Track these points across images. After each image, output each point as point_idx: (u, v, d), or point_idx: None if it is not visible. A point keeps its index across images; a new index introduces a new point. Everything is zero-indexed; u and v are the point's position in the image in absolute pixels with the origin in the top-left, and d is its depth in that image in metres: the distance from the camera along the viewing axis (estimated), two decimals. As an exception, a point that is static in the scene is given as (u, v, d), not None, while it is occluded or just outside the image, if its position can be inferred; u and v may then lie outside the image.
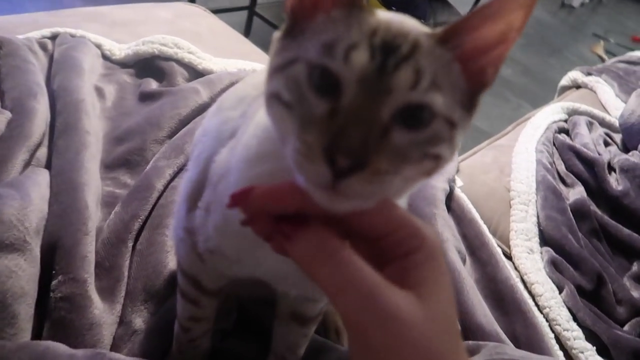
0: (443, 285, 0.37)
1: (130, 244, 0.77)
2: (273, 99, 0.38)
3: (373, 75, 0.35)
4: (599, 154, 1.33)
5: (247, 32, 2.76)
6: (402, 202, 0.52)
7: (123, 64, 1.18)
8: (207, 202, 0.55)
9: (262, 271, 0.53)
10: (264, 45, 1.59)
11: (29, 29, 1.17)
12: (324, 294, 0.58)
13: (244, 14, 2.76)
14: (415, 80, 0.35)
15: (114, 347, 0.67)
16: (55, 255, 0.69)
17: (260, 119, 0.49)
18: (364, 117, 0.34)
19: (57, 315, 0.65)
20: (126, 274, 0.74)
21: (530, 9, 0.36)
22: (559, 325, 0.95)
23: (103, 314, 0.67)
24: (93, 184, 0.81)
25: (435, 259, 0.38)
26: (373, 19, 0.37)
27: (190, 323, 0.64)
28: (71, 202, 0.75)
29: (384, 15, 0.38)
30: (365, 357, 0.35)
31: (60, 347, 0.58)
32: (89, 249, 0.71)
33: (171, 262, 0.78)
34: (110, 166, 0.92)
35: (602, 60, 3.79)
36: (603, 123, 1.56)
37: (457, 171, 1.28)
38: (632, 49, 3.56)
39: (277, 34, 0.42)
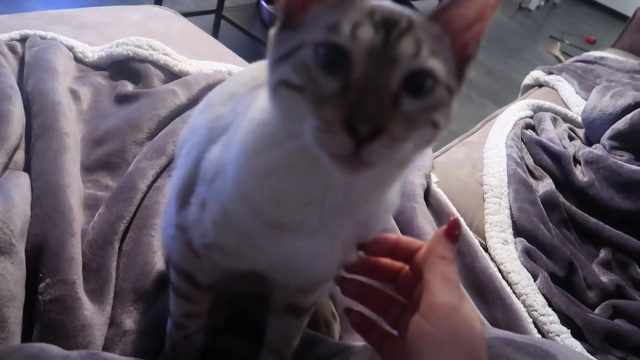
0: None
1: (116, 245, 0.76)
2: (281, 86, 0.40)
3: (379, 47, 0.38)
4: (565, 148, 1.39)
5: (214, 35, 2.74)
6: (396, 192, 0.54)
7: (96, 66, 1.16)
8: (201, 198, 0.55)
9: (264, 262, 0.54)
10: (232, 47, 1.60)
11: (-7, 31, 1.14)
12: (321, 285, 0.60)
13: (210, 18, 2.75)
14: (417, 49, 0.38)
15: (106, 349, 0.66)
16: (41, 257, 0.68)
17: (253, 114, 0.50)
18: (376, 86, 0.37)
19: (47, 317, 0.64)
20: (114, 275, 0.74)
21: None
22: (536, 311, 0.99)
23: (93, 315, 0.67)
24: (75, 187, 0.80)
25: None
26: (367, 2, 0.40)
27: (184, 320, 0.64)
28: (54, 205, 0.74)
29: (374, 1, 0.42)
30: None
31: (54, 349, 0.57)
32: (76, 250, 0.70)
33: (159, 262, 0.78)
34: (90, 169, 0.90)
35: (559, 60, 3.94)
36: (566, 119, 1.63)
37: (432, 167, 1.31)
38: (586, 50, 3.73)
39: (273, 30, 0.44)
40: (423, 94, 0.39)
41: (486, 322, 0.84)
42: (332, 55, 0.38)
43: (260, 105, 0.48)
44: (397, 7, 0.41)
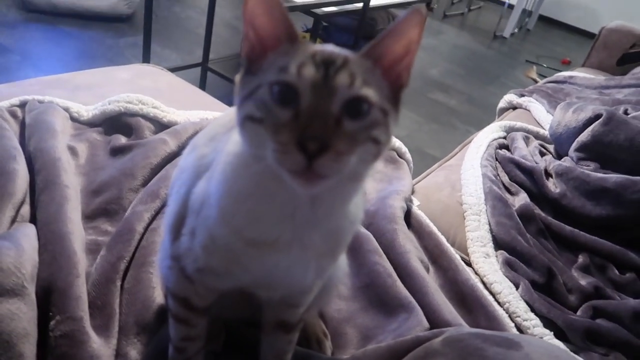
0: None
1: (118, 283, 0.83)
2: (246, 120, 0.49)
3: (320, 82, 0.47)
4: (536, 163, 1.47)
5: (202, 86, 2.87)
6: (359, 206, 0.61)
7: (91, 123, 1.25)
8: (191, 227, 0.63)
9: (248, 278, 0.61)
10: (220, 97, 1.70)
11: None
12: (302, 296, 0.66)
13: (197, 71, 2.88)
14: (351, 81, 0.47)
15: (114, 378, 0.72)
16: (50, 298, 0.74)
17: (229, 148, 0.58)
18: (321, 112, 0.46)
19: (58, 351, 0.69)
20: (117, 310, 0.80)
21: (422, 27, 0.49)
22: (519, 316, 1.04)
23: (101, 348, 0.72)
24: (78, 233, 0.87)
25: None
26: (311, 47, 0.50)
27: (184, 343, 0.69)
28: (60, 250, 0.81)
29: (317, 45, 0.51)
30: None
31: (68, 378, 0.62)
32: (82, 290, 0.77)
33: (158, 297, 0.84)
34: (90, 217, 0.98)
35: (537, 83, 4.08)
36: (538, 136, 1.72)
37: (413, 192, 1.38)
38: (562, 71, 3.87)
39: (238, 76, 0.53)
40: (361, 116, 0.47)
41: (465, 325, 0.90)
42: (284, 91, 0.47)
43: (234, 139, 0.56)
44: (336, 50, 0.51)
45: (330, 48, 0.50)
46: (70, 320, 0.72)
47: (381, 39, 0.50)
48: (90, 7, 3.28)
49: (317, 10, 2.45)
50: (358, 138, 0.47)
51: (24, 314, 0.68)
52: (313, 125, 0.45)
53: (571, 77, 2.43)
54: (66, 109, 1.23)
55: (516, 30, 5.60)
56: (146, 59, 2.56)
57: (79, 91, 1.42)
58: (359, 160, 0.47)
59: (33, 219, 0.91)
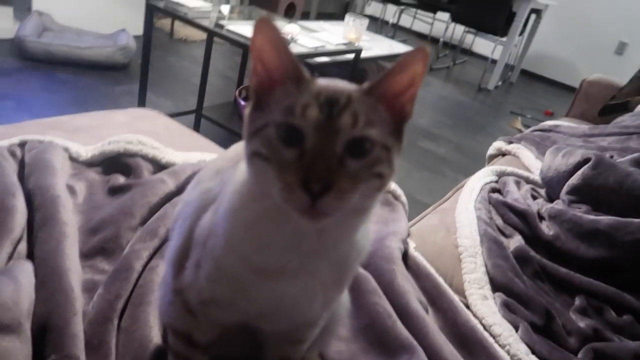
0: None
1: (115, 322, 0.81)
2: (254, 156, 0.50)
3: (324, 123, 0.48)
4: (529, 206, 1.49)
5: (196, 132, 2.90)
6: (366, 236, 0.61)
7: (90, 163, 1.25)
8: (196, 259, 0.62)
9: (254, 309, 0.60)
10: (214, 141, 1.72)
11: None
12: (308, 330, 0.65)
13: (190, 118, 2.92)
14: (354, 121, 0.48)
15: (109, 420, 0.69)
16: (46, 336, 0.72)
17: (236, 177, 0.59)
18: (324, 153, 0.47)
19: (53, 391, 0.67)
20: (114, 350, 0.77)
21: (426, 61, 0.51)
22: (520, 359, 1.03)
23: (97, 388, 0.70)
24: (76, 270, 0.86)
25: None
26: (316, 85, 0.51)
27: (184, 383, 0.67)
28: (57, 286, 0.79)
29: (322, 81, 0.53)
30: None
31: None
32: (79, 328, 0.75)
33: (156, 337, 0.82)
34: (87, 255, 0.96)
35: (521, 132, 4.20)
36: (528, 181, 1.76)
37: (409, 235, 1.39)
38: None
39: (247, 110, 0.54)
40: (363, 155, 0.49)
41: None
42: (289, 132, 0.48)
43: (242, 168, 0.57)
44: (341, 85, 0.52)
45: (334, 84, 0.52)
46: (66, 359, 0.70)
47: (385, 75, 0.51)
48: (87, 55, 3.35)
49: (311, 61, 2.53)
50: (361, 176, 0.48)
51: (19, 351, 0.66)
52: (317, 165, 0.46)
53: (556, 125, 2.51)
54: (65, 149, 1.24)
55: (500, 83, 5.80)
56: (141, 106, 2.60)
57: (77, 133, 1.43)
58: (362, 195, 0.48)
59: (30, 257, 0.89)
